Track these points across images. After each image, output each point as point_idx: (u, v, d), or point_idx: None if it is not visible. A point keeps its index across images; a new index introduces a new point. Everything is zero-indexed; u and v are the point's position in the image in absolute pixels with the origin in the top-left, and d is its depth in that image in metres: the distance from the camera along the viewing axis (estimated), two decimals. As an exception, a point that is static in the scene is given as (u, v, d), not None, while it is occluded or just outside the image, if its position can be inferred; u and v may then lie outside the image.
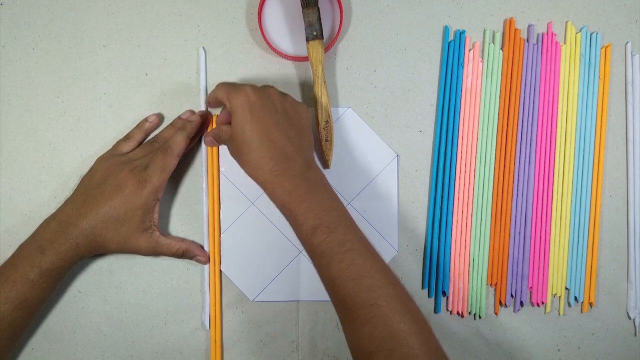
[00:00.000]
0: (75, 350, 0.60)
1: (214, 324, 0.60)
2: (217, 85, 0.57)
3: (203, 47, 0.61)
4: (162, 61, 0.62)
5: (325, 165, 0.60)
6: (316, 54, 0.58)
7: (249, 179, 0.61)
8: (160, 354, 0.61)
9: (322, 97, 0.58)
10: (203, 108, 0.61)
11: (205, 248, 0.61)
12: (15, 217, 0.60)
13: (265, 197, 0.61)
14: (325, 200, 0.52)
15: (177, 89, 0.62)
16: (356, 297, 0.48)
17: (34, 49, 0.61)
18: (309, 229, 0.50)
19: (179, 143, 0.57)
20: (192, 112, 0.61)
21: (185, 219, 0.61)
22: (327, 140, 0.59)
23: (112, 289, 0.61)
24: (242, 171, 0.61)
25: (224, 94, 0.55)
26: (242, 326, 0.61)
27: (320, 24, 0.58)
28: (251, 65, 0.62)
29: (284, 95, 0.55)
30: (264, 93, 0.54)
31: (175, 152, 0.57)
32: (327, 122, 0.59)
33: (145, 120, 0.60)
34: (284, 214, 0.53)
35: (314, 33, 0.57)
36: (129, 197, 0.55)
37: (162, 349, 0.61)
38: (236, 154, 0.54)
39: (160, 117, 0.61)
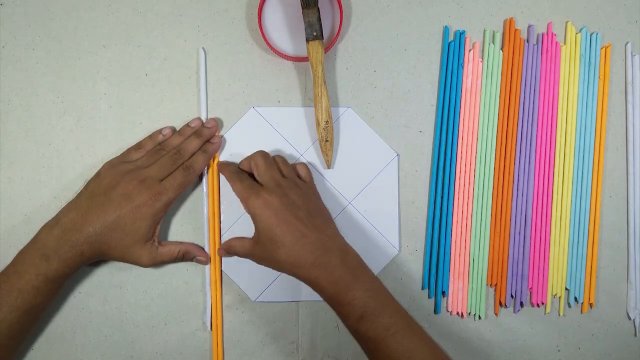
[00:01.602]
0: (75, 351, 0.60)
1: (215, 325, 0.60)
2: (230, 177, 0.57)
3: (203, 48, 0.61)
4: (162, 61, 0.62)
5: (327, 165, 0.60)
6: (316, 54, 0.58)
7: (249, 178, 0.61)
8: (160, 355, 0.60)
9: (322, 98, 0.58)
10: (203, 109, 0.61)
11: (206, 249, 0.60)
12: (15, 217, 0.60)
13: (265, 197, 0.61)
14: (368, 284, 0.53)
15: (177, 89, 0.62)
16: None
17: (34, 49, 0.61)
18: (355, 318, 0.52)
19: (202, 164, 0.58)
20: (200, 119, 0.61)
21: (185, 220, 0.61)
22: (327, 141, 0.59)
23: (112, 289, 0.61)
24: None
25: (242, 197, 0.55)
26: (242, 326, 0.61)
27: (320, 25, 0.58)
28: (251, 65, 0.62)
29: (297, 187, 0.56)
30: (281, 193, 0.54)
31: (197, 173, 0.58)
32: (327, 122, 0.59)
33: (159, 132, 0.60)
34: (330, 304, 0.54)
35: (314, 33, 0.57)
36: (139, 207, 0.54)
37: (162, 350, 0.61)
38: (270, 259, 0.54)
39: (173, 130, 0.61)
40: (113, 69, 0.61)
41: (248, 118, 0.62)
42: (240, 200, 0.56)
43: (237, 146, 0.61)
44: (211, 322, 0.60)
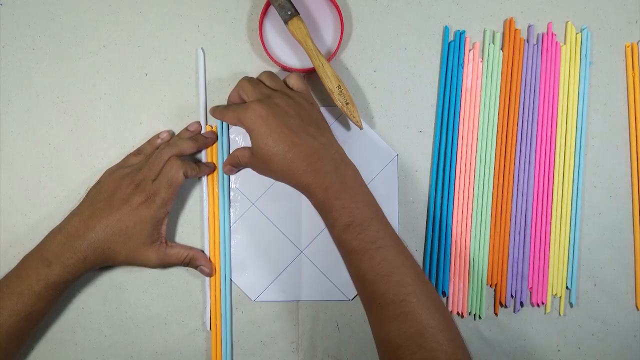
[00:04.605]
0: (75, 351, 0.60)
1: (215, 325, 0.60)
2: (221, 112, 0.57)
3: (202, 48, 0.61)
4: (162, 61, 0.62)
5: (358, 126, 0.58)
6: (300, 31, 0.57)
7: (249, 179, 0.61)
8: (160, 355, 0.60)
9: (324, 67, 0.58)
10: (202, 109, 0.61)
11: (206, 250, 0.60)
12: (15, 217, 0.60)
13: (265, 198, 0.61)
14: (359, 197, 0.52)
15: (176, 89, 0.62)
16: (386, 293, 0.49)
17: (34, 49, 0.61)
18: (341, 226, 0.51)
19: (188, 152, 0.58)
20: (199, 124, 0.61)
21: (185, 220, 0.61)
22: (347, 103, 0.58)
23: (112, 289, 0.61)
24: (242, 172, 0.61)
25: (234, 119, 0.54)
26: (242, 326, 0.61)
27: (290, 1, 0.57)
28: (250, 65, 0.62)
29: (288, 96, 0.55)
30: (271, 103, 0.53)
31: (184, 165, 0.56)
32: (339, 87, 0.58)
33: (157, 136, 0.60)
34: (319, 211, 0.54)
35: (289, 12, 0.57)
36: (137, 210, 0.55)
37: (162, 350, 0.61)
38: (266, 169, 0.54)
39: (171, 134, 0.61)
40: (113, 69, 0.61)
41: (248, 118, 0.62)
42: (236, 122, 0.54)
43: (236, 146, 0.61)
44: (211, 322, 0.60)
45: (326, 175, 0.52)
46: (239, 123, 0.54)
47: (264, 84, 0.57)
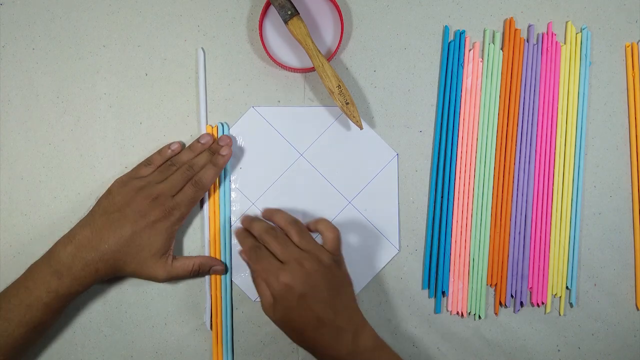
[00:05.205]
0: (75, 351, 0.60)
1: (215, 325, 0.60)
2: (251, 258, 0.55)
3: (202, 48, 0.61)
4: (162, 61, 0.62)
5: (358, 126, 0.58)
6: (299, 30, 0.57)
7: (249, 179, 0.61)
8: (160, 354, 0.60)
9: (324, 67, 0.58)
10: (203, 109, 0.61)
11: (206, 250, 0.60)
12: (15, 217, 0.60)
13: (265, 198, 0.61)
14: None
15: (177, 89, 0.62)
16: None
17: (34, 49, 0.61)
18: None
19: (211, 178, 0.58)
20: (211, 136, 0.60)
21: (185, 220, 0.61)
22: (347, 103, 0.58)
23: (112, 289, 0.61)
24: (242, 172, 0.61)
25: (261, 278, 0.53)
26: (242, 326, 0.61)
27: (290, 1, 0.57)
28: (251, 65, 0.62)
29: (319, 262, 0.53)
30: (301, 274, 0.52)
31: (206, 187, 0.58)
32: (339, 86, 0.58)
33: (168, 147, 0.60)
34: None
35: (289, 12, 0.57)
36: (154, 223, 0.55)
37: (162, 349, 0.61)
38: (284, 331, 0.54)
39: (182, 145, 0.60)
40: (113, 69, 0.61)
41: (248, 118, 0.62)
42: (258, 279, 0.54)
43: (237, 147, 0.61)
44: (211, 322, 0.60)
45: (347, 356, 0.52)
46: (264, 283, 0.53)
47: (291, 240, 0.55)
